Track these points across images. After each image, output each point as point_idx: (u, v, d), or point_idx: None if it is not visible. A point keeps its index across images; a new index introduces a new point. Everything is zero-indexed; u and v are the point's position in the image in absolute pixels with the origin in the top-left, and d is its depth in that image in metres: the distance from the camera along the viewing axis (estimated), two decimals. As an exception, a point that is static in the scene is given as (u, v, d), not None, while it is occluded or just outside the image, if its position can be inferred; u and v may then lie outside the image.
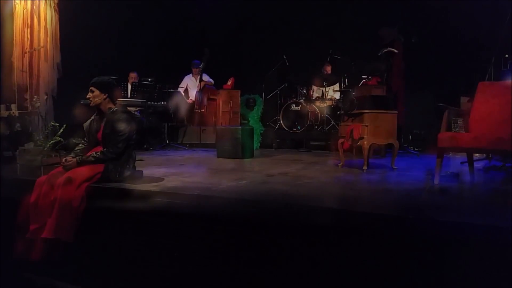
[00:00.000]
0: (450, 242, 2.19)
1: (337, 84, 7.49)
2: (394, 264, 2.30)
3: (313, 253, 2.47)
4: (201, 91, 7.30)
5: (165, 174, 3.85)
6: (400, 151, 5.18)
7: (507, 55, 5.30)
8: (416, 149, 6.37)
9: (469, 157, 3.79)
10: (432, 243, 2.22)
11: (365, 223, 2.40)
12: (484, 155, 4.91)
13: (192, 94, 7.82)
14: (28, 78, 5.32)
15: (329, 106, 7.24)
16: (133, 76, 7.20)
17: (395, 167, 4.34)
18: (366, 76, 6.37)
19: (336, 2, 7.72)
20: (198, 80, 7.36)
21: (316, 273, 2.45)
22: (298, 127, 7.10)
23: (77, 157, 3.23)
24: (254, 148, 6.27)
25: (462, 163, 4.71)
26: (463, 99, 5.65)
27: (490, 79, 4.99)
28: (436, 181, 3.46)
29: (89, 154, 3.27)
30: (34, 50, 5.31)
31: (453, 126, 5.93)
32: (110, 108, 3.36)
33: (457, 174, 3.89)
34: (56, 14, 5.53)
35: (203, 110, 7.38)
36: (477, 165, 4.31)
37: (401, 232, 2.33)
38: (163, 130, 7.20)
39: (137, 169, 3.55)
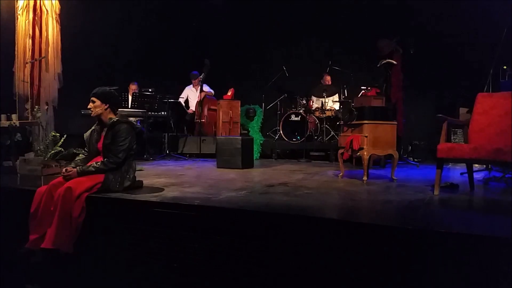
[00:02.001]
0: (450, 253, 2.19)
1: (337, 94, 7.54)
2: (393, 275, 2.30)
3: (313, 263, 2.46)
4: (201, 101, 7.33)
5: (165, 184, 3.85)
6: (399, 162, 5.18)
7: (505, 66, 5.35)
8: (415, 159, 6.38)
9: (468, 168, 3.80)
10: (432, 254, 2.22)
11: (365, 234, 2.40)
12: (484, 165, 4.92)
13: (193, 105, 7.86)
14: (29, 88, 5.35)
15: (329, 116, 7.29)
16: (133, 87, 7.24)
17: (395, 178, 4.35)
18: (365, 87, 6.42)
19: (336, 14, 7.81)
20: (198, 91, 7.39)
21: (316, 283, 2.44)
22: (298, 137, 7.11)
23: (78, 167, 3.23)
24: (254, 158, 6.28)
25: (462, 174, 4.72)
26: (462, 110, 5.68)
27: (488, 90, 5.02)
28: (436, 192, 3.46)
29: (89, 164, 3.28)
30: (36, 60, 5.34)
31: (452, 137, 5.96)
32: (111, 119, 3.38)
33: (457, 185, 3.89)
34: (57, 25, 5.57)
35: (203, 120, 7.40)
36: (477, 175, 4.32)
37: (400, 243, 2.33)
38: (163, 140, 7.20)
39: (137, 179, 3.55)
